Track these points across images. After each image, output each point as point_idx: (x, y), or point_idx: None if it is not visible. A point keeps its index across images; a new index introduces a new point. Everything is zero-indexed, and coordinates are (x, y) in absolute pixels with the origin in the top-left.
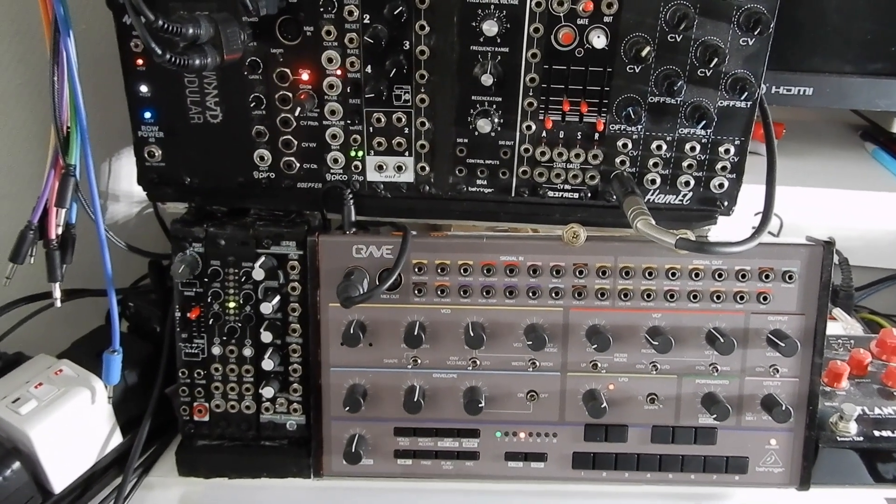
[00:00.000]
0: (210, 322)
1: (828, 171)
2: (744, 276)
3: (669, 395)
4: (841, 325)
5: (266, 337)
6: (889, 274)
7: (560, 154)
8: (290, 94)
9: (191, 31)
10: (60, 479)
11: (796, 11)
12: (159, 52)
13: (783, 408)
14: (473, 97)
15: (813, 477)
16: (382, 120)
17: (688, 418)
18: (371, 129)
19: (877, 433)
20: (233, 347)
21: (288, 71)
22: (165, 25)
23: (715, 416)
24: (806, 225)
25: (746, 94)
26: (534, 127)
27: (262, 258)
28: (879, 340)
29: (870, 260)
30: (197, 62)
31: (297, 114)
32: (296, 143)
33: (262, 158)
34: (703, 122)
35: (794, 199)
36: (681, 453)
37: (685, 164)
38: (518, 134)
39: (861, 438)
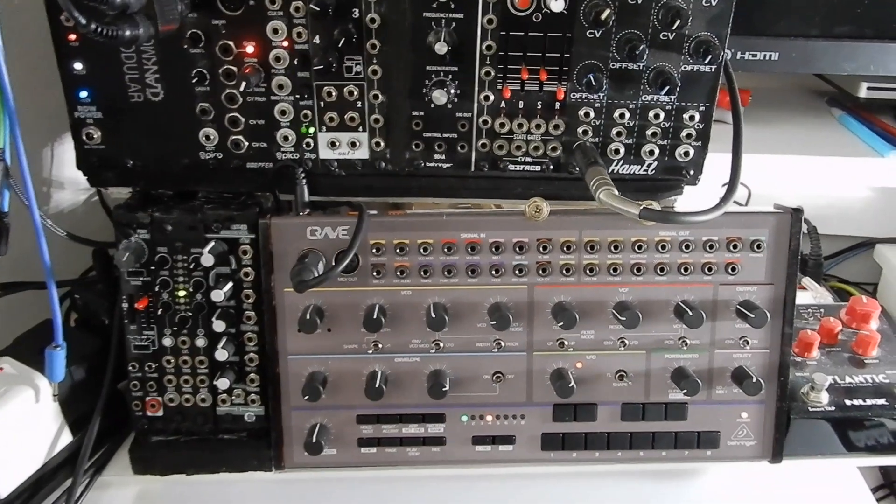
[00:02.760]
0: (159, 312)
1: (795, 138)
2: (711, 247)
3: (638, 371)
4: (811, 294)
5: (219, 326)
6: (857, 242)
7: (520, 125)
8: (235, 69)
9: None
10: (6, 482)
11: None
12: (83, 21)
13: (754, 380)
14: (428, 67)
15: (785, 449)
16: (333, 94)
17: (658, 394)
18: (322, 103)
19: (848, 402)
20: (184, 338)
21: (231, 44)
22: None
23: (685, 391)
24: (774, 194)
25: (711, 56)
26: (492, 97)
27: (212, 243)
28: (849, 308)
29: (839, 228)
30: (127, 33)
31: (242, 89)
32: (243, 120)
33: (208, 138)
34: (667, 88)
35: (762, 168)
36: (651, 430)
37: (649, 132)
38: (476, 105)
39: (833, 408)
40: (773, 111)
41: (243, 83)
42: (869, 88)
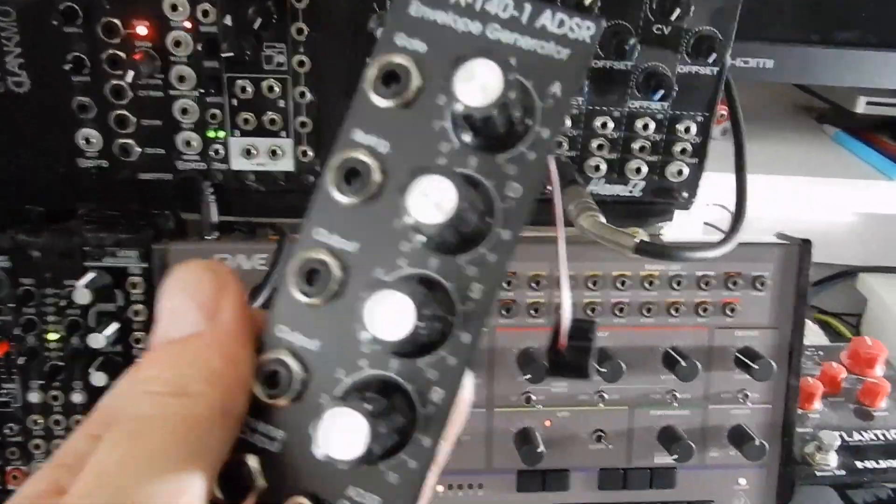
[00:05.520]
0: (24, 361)
1: (787, 157)
2: (707, 284)
3: (619, 430)
4: None
5: (99, 379)
6: (839, 270)
7: None
8: (123, 55)
9: None
10: None
11: None
12: None
13: (756, 443)
14: (368, 59)
15: None
16: (249, 89)
17: (642, 458)
18: (235, 101)
19: (859, 464)
20: (56, 393)
21: (118, 22)
22: None
23: (675, 454)
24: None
25: (714, 56)
26: None
27: (91, 274)
28: (852, 351)
29: (819, 255)
30: None
31: (131, 80)
32: (134, 120)
33: (88, 141)
34: (660, 93)
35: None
36: (634, 500)
37: (636, 146)
38: None
39: (843, 472)
40: (759, 127)
41: (132, 73)
42: (868, 104)
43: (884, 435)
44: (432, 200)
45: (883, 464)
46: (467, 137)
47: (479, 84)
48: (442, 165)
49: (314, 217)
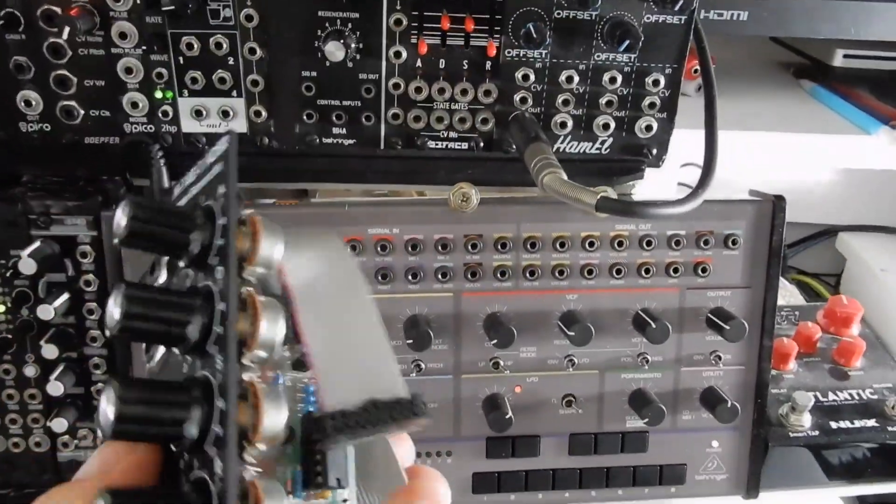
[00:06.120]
0: None
1: (764, 112)
2: (677, 244)
3: (590, 395)
4: (779, 292)
5: (51, 351)
6: (819, 230)
7: (441, 90)
8: (58, 9)
9: None
10: None
11: None
12: None
13: (728, 405)
14: (321, 13)
15: (762, 481)
16: (195, 46)
17: (613, 422)
18: (181, 59)
19: (833, 424)
20: (8, 367)
21: None
22: None
23: (646, 418)
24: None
25: (681, 3)
26: (404, 54)
27: (37, 243)
28: (827, 310)
29: (798, 214)
30: None
31: (67, 37)
32: (75, 80)
33: (28, 104)
34: (626, 44)
35: (724, 146)
36: (605, 465)
37: (603, 100)
38: (384, 64)
39: (816, 432)
40: (734, 83)
41: (68, 28)
42: (845, 57)
43: (858, 394)
44: None
45: (857, 423)
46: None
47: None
48: None
49: None
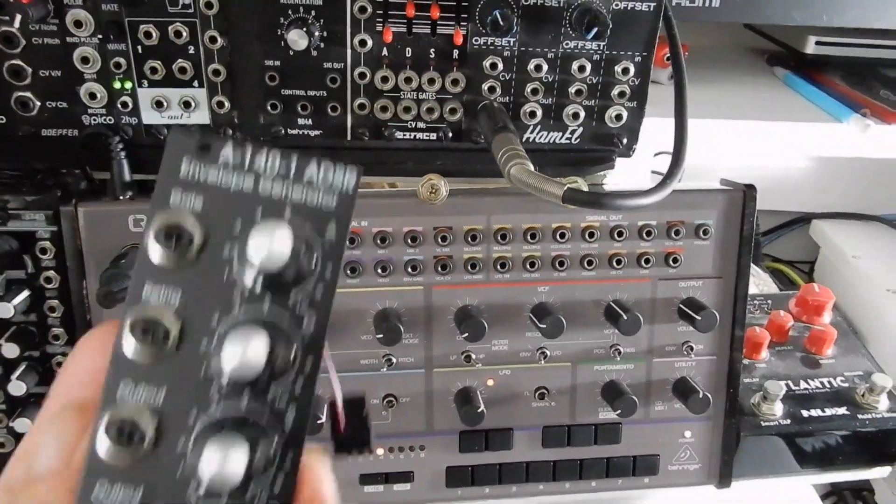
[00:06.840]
0: None
1: (737, 100)
2: (648, 234)
3: (562, 387)
4: (753, 280)
5: (11, 350)
6: (792, 217)
7: (408, 80)
8: None
9: None
10: None
11: None
12: None
13: (700, 395)
14: (283, 0)
15: (734, 470)
16: (154, 34)
17: (586, 414)
18: (139, 48)
19: (805, 413)
20: None
21: None
22: None
23: (619, 409)
24: (694, 164)
25: None
26: (369, 42)
27: None
28: (799, 299)
29: (771, 202)
30: None
31: (20, 26)
32: (29, 70)
33: None
34: (595, 31)
35: (696, 135)
36: (579, 457)
37: (572, 89)
38: (349, 52)
39: (788, 421)
40: (707, 70)
41: (19, 16)
42: (817, 44)
43: (829, 382)
44: (242, 354)
45: (829, 411)
46: (258, 287)
47: (271, 248)
48: (248, 318)
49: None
